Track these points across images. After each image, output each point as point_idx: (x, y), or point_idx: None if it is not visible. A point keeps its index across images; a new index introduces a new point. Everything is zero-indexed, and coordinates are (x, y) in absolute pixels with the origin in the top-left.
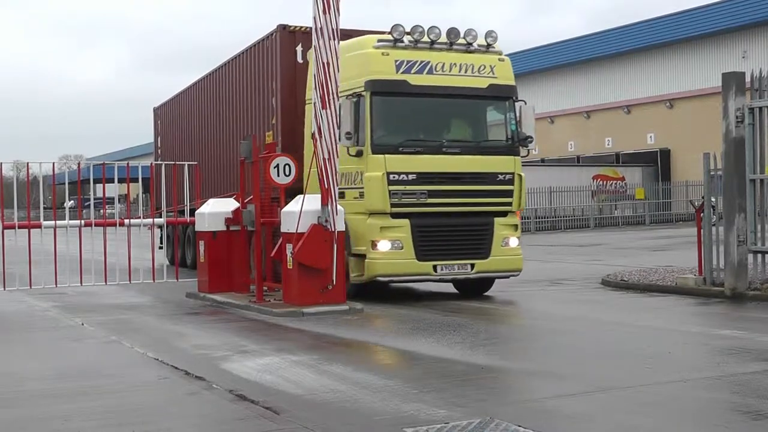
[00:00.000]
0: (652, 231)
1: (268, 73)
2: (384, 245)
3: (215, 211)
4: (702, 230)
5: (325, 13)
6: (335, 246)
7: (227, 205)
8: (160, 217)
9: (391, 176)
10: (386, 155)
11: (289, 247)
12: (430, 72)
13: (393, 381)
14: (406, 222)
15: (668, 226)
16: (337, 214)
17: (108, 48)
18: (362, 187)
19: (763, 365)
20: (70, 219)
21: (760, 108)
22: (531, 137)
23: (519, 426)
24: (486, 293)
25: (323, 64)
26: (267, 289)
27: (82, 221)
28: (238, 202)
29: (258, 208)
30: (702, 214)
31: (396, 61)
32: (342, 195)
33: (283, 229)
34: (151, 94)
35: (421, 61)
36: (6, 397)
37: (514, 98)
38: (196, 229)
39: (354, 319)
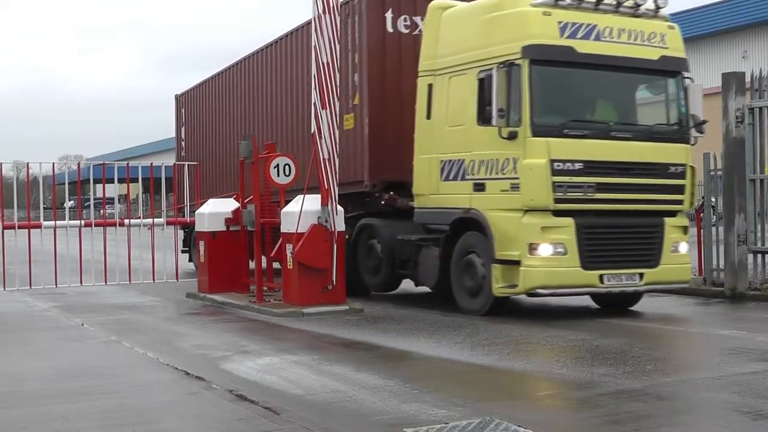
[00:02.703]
0: None
1: (344, 46)
2: (545, 249)
3: (215, 211)
4: (702, 230)
5: (325, 13)
6: (335, 246)
7: (227, 205)
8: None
9: (555, 165)
10: (549, 138)
11: (289, 247)
12: (597, 38)
13: (393, 381)
14: (570, 221)
15: None
16: (337, 214)
17: (107, 48)
18: (514, 178)
19: (763, 365)
20: (70, 219)
21: (760, 108)
22: (706, 121)
23: (519, 426)
24: (632, 308)
25: (323, 64)
26: (267, 289)
27: (82, 221)
28: (238, 202)
29: (258, 208)
30: (702, 214)
31: (559, 23)
32: (481, 187)
33: (283, 229)
34: (151, 94)
35: (587, 25)
36: (6, 397)
37: (682, 74)
38: (196, 229)
39: (354, 320)
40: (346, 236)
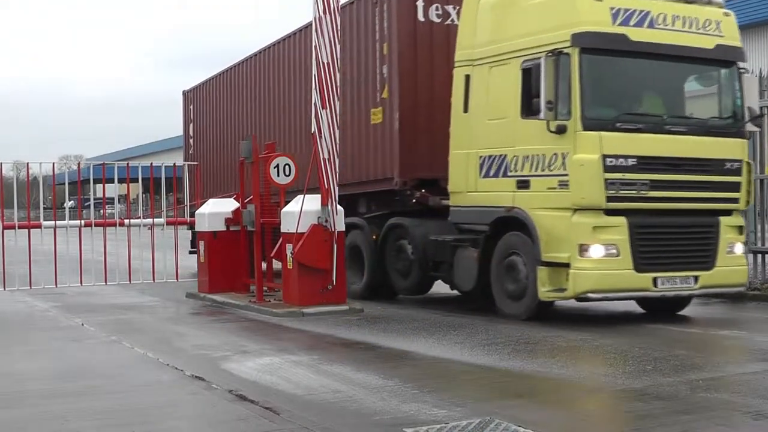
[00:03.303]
0: None
1: (371, 36)
2: (597, 251)
3: (215, 211)
4: None
5: (326, 14)
6: (335, 246)
7: (227, 205)
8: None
9: (608, 160)
10: (601, 132)
11: (289, 247)
12: (650, 25)
13: (393, 381)
14: (622, 221)
15: None
16: (337, 214)
17: (108, 48)
18: (563, 174)
19: (763, 365)
20: (70, 219)
21: (761, 108)
22: (762, 114)
23: (519, 426)
24: (680, 312)
25: (323, 64)
26: (267, 289)
27: (82, 221)
28: (238, 202)
29: (258, 208)
30: None
31: (611, 9)
32: (526, 184)
33: (283, 229)
34: (151, 94)
35: (641, 11)
36: (6, 397)
37: (738, 64)
38: (196, 229)
39: (354, 320)
40: (373, 236)
